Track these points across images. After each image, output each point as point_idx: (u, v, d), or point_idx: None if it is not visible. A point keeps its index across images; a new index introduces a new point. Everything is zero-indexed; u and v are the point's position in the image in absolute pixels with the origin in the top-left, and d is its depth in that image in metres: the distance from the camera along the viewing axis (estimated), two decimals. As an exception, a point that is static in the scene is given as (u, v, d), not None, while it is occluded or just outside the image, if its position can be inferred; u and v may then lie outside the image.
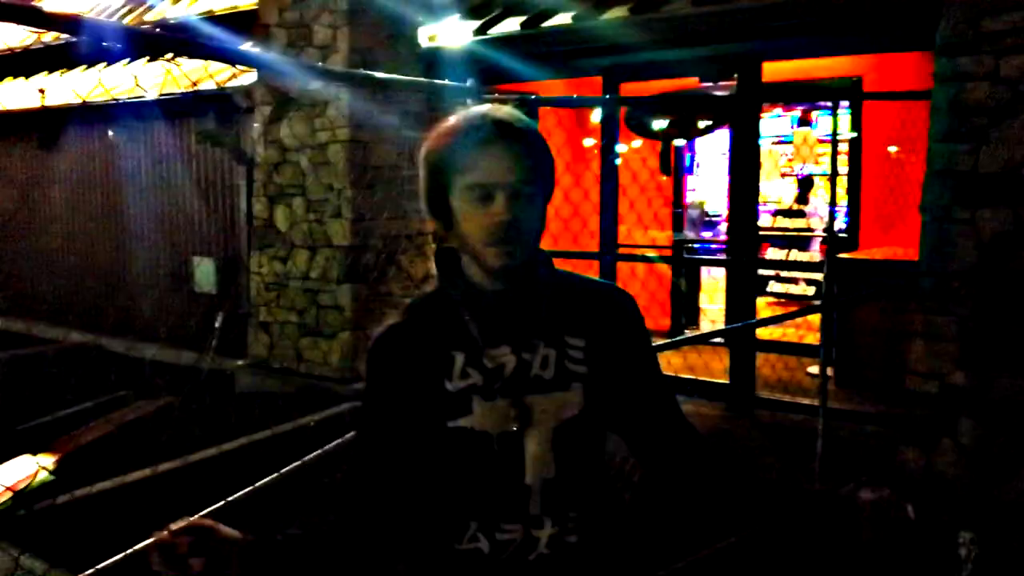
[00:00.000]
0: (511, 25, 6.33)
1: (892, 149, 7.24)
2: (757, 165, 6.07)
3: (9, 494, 4.24)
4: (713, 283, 7.96)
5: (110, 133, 8.77)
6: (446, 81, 3.66)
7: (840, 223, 6.91)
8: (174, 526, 1.38)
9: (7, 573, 3.57)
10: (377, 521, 1.55)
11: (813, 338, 6.55)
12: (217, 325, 7.25)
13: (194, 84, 2.68)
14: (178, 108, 7.57)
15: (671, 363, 5.22)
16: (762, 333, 6.49)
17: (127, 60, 8.80)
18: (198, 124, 7.78)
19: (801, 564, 2.79)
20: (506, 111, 1.53)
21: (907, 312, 4.36)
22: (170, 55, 2.59)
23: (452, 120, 1.54)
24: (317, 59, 6.46)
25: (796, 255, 7.64)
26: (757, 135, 6.10)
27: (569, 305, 1.58)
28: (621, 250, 6.88)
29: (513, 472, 1.50)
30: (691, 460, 1.62)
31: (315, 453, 3.13)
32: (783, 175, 8.44)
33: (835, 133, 5.03)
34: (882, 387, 5.22)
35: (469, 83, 3.35)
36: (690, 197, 8.74)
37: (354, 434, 3.13)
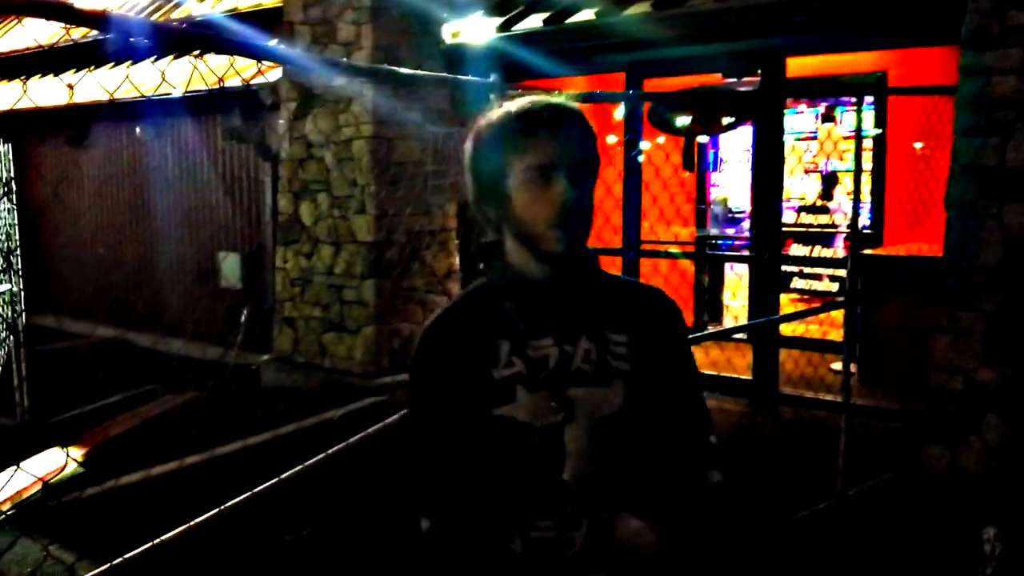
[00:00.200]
0: (534, 21, 6.34)
1: (917, 145, 7.17)
2: (781, 161, 6.04)
3: (39, 485, 4.31)
4: (736, 279, 7.92)
5: (137, 130, 8.86)
6: (469, 77, 3.67)
7: (864, 219, 6.87)
8: None
9: (37, 563, 3.63)
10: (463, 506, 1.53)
11: (836, 334, 6.53)
12: (242, 320, 7.32)
13: (220, 81, 2.71)
14: (204, 105, 7.63)
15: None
16: (785, 329, 6.47)
17: (154, 58, 8.88)
18: (224, 120, 7.83)
19: None
20: (560, 98, 1.54)
21: (931, 308, 4.33)
22: (196, 53, 2.61)
23: (503, 109, 1.54)
24: (341, 56, 6.51)
25: (820, 251, 7.59)
26: (781, 131, 6.07)
27: (613, 302, 1.58)
28: (644, 246, 6.87)
29: (552, 467, 1.48)
30: (674, 487, 1.56)
31: (338, 447, 3.17)
32: (807, 171, 8.38)
33: (859, 129, 4.99)
34: (906, 384, 5.17)
35: (492, 79, 3.36)
36: (713, 193, 8.71)
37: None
